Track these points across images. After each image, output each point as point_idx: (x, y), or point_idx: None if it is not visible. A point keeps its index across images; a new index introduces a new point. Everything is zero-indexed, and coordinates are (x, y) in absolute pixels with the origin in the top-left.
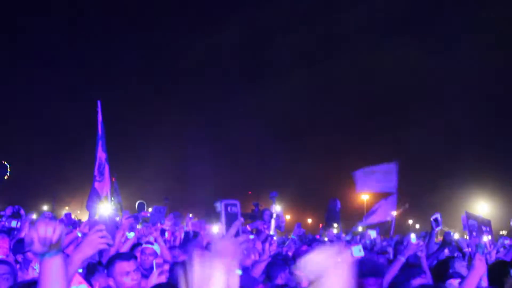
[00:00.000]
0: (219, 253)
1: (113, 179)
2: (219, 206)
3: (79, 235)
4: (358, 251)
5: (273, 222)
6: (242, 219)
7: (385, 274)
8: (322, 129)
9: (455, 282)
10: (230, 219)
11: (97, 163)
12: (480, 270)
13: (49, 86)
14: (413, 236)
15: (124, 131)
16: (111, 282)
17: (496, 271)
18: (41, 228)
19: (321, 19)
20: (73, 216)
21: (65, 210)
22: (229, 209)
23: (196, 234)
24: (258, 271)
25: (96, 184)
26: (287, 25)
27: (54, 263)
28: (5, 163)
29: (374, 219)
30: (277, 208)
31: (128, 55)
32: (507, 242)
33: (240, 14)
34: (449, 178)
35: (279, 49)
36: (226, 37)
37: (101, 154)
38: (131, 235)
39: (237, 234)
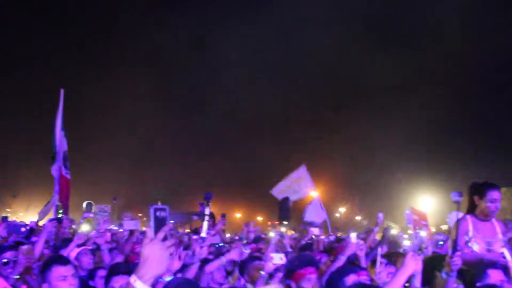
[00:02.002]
0: (147, 256)
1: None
2: (150, 210)
3: None
4: (279, 259)
5: (205, 224)
6: (171, 224)
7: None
8: (274, 126)
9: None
10: (159, 224)
11: (61, 155)
12: (409, 268)
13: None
14: (353, 235)
15: (72, 123)
16: (45, 287)
17: (429, 265)
18: None
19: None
20: (14, 219)
21: (6, 213)
22: (158, 213)
23: (132, 233)
24: (190, 274)
25: (68, 176)
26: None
27: None
28: None
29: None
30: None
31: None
32: (440, 237)
33: None
34: (395, 174)
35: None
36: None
37: (64, 147)
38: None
39: (165, 239)
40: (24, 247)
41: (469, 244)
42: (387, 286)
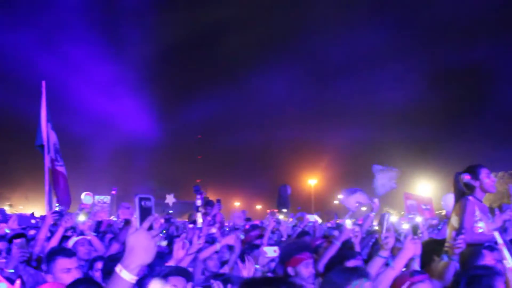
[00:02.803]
0: (132, 245)
1: None
2: (135, 200)
3: (7, 231)
4: (272, 252)
5: (199, 215)
6: (156, 214)
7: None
8: (282, 116)
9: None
10: (144, 213)
11: (52, 147)
12: (408, 252)
13: None
14: (348, 221)
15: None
16: (49, 278)
17: (427, 249)
18: None
19: None
20: (14, 211)
21: (6, 206)
22: (143, 203)
23: (127, 222)
24: (185, 264)
25: (61, 169)
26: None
27: None
28: None
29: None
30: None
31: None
32: (434, 222)
33: None
34: (391, 159)
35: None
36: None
37: (54, 138)
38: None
39: (150, 228)
40: (17, 240)
41: (478, 224)
42: (386, 269)
